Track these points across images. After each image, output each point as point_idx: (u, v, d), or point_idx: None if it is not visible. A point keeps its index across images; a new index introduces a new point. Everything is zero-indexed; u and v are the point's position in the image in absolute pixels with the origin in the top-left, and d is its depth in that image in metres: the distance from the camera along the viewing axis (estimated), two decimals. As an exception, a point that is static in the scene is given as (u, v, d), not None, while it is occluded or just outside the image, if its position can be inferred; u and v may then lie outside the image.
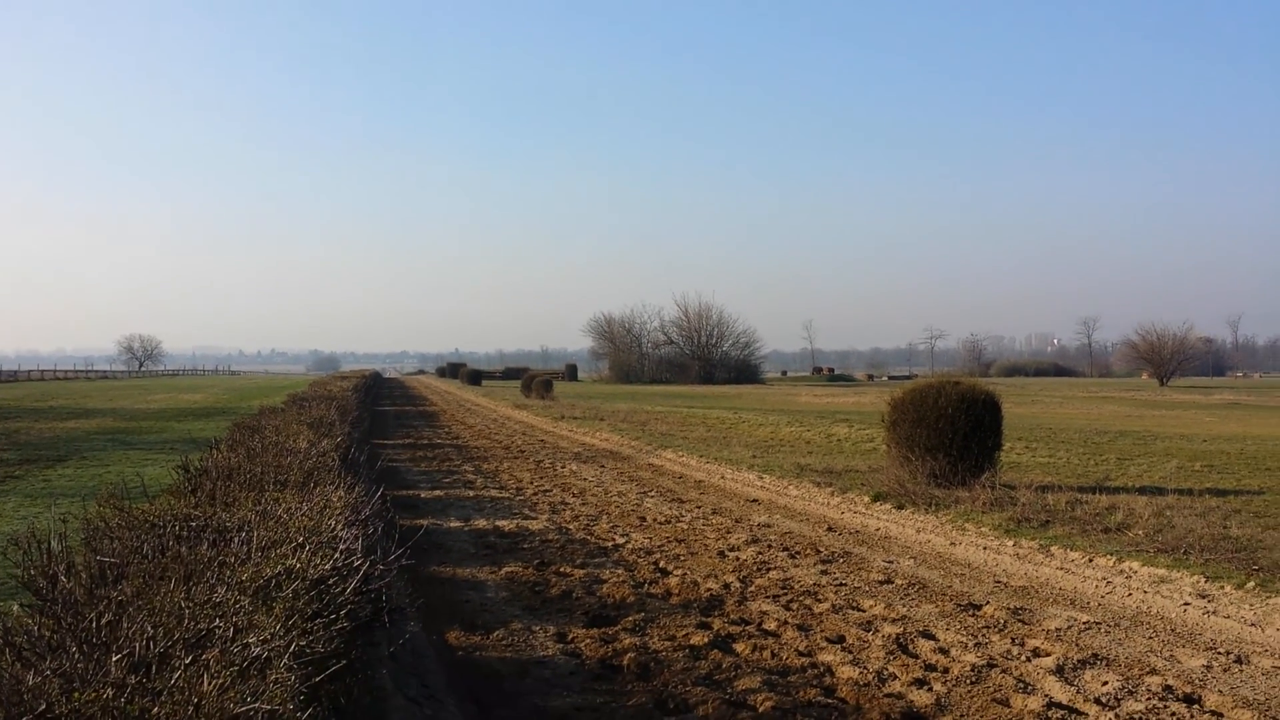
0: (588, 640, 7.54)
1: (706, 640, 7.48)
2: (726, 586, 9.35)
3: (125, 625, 3.48)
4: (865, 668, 6.86)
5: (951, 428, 14.35)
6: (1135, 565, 9.61)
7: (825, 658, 7.10)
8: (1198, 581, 8.92)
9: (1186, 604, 8.51)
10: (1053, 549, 10.51)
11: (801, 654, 7.18)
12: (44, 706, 2.78)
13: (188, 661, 3.16)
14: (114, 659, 3.18)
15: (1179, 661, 7.08)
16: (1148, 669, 6.89)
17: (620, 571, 9.99)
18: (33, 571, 4.46)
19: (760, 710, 6.03)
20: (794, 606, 8.63)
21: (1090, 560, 10.02)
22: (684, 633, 7.70)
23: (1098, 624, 8.04)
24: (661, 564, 10.39)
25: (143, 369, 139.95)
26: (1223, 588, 8.72)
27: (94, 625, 3.52)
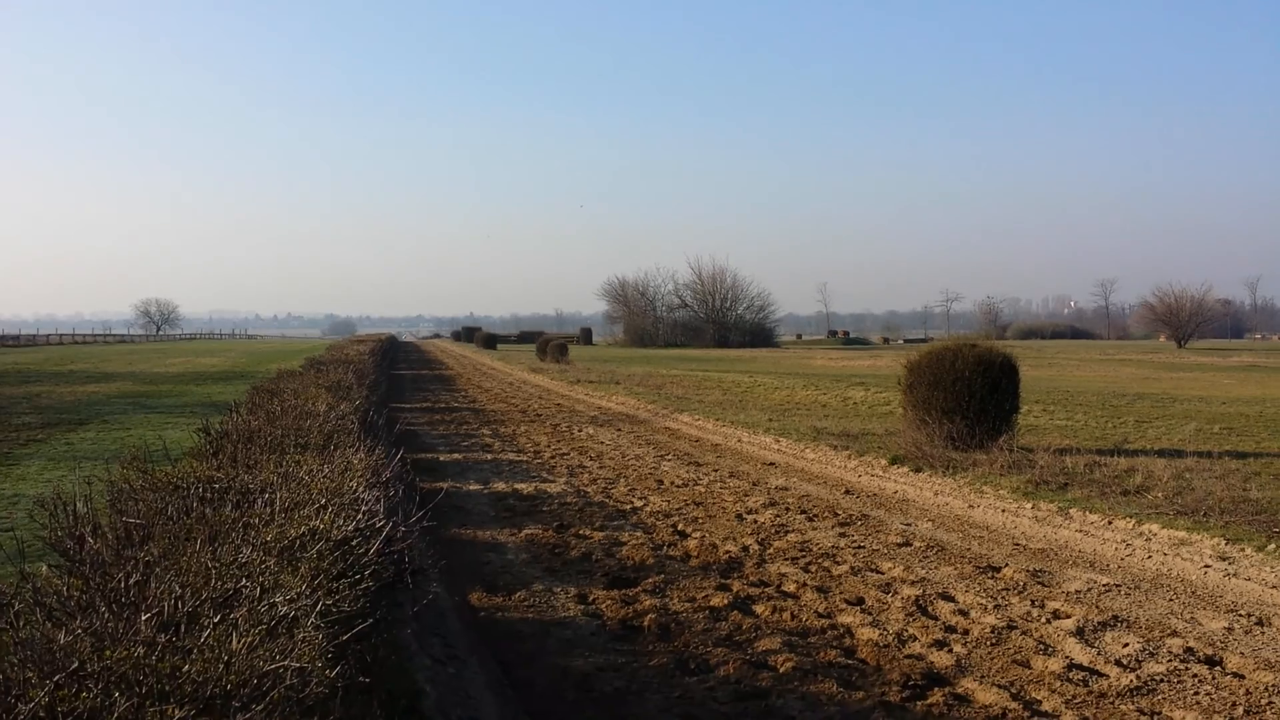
0: (608, 601, 7.59)
1: (726, 602, 7.51)
2: (745, 549, 9.37)
3: (153, 585, 3.51)
4: (885, 629, 6.88)
5: (968, 390, 14.30)
6: (1155, 528, 9.59)
7: (845, 619, 7.12)
8: (1218, 544, 8.90)
9: (1207, 566, 8.49)
10: (1071, 511, 10.49)
11: (821, 615, 7.20)
12: (76, 664, 2.80)
13: (216, 620, 3.18)
14: (143, 618, 3.20)
15: (1200, 624, 7.08)
16: (1168, 631, 6.89)
17: (639, 534, 10.02)
18: (60, 533, 4.50)
19: (781, 671, 6.06)
20: (813, 569, 8.65)
21: (1109, 523, 10.01)
22: (704, 594, 7.73)
23: (1117, 586, 8.04)
24: (680, 526, 10.42)
25: (160, 333, 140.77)
26: (1243, 550, 8.69)
27: (123, 585, 3.54)
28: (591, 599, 7.73)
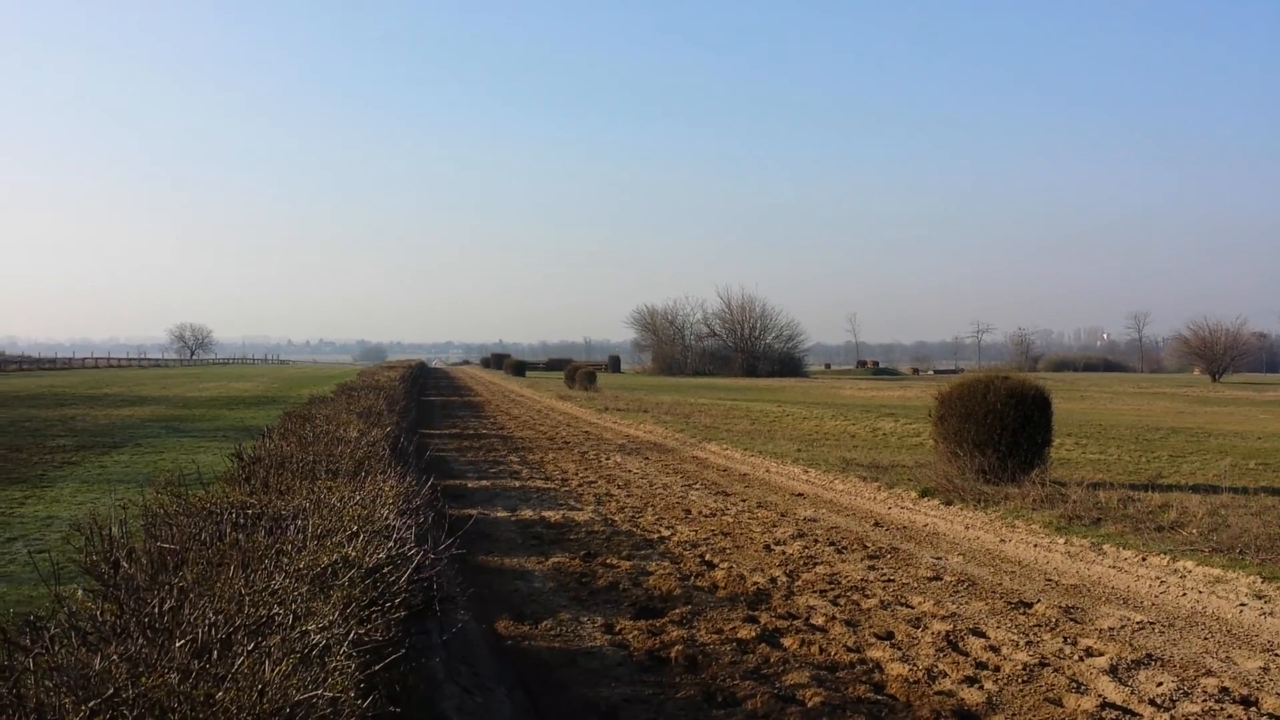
0: (635, 632, 7.56)
1: (754, 634, 7.47)
2: (773, 580, 9.32)
3: (187, 611, 3.54)
4: (915, 665, 6.82)
5: (1000, 423, 14.19)
6: (1190, 564, 9.46)
7: (874, 654, 7.06)
8: (1254, 582, 8.77)
9: (1243, 604, 8.36)
10: (1105, 547, 10.38)
11: (850, 650, 7.15)
12: (111, 690, 2.83)
13: (250, 648, 3.20)
14: (177, 644, 3.23)
15: (1235, 663, 6.97)
16: (1203, 670, 6.78)
17: (666, 564, 9.99)
18: (95, 557, 4.55)
19: (809, 705, 6.01)
20: (841, 602, 8.59)
21: (1143, 559, 9.88)
22: (731, 626, 7.69)
23: (1152, 624, 7.93)
24: (707, 557, 10.38)
25: (193, 357, 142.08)
26: (1280, 589, 8.56)
27: (157, 610, 3.57)
28: (618, 629, 7.70)
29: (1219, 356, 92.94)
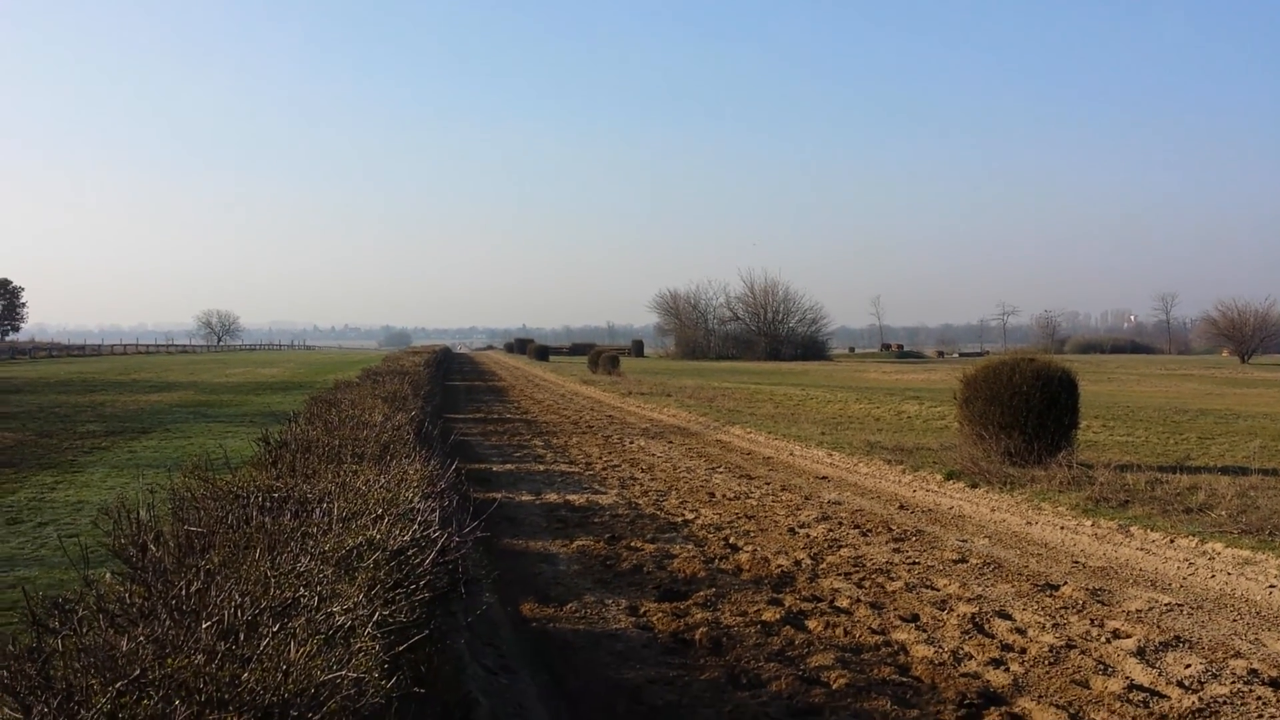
0: (659, 614, 7.57)
1: (778, 616, 7.47)
2: (797, 563, 9.31)
3: (214, 593, 3.56)
4: (940, 647, 6.80)
5: (1026, 405, 14.11)
6: (1218, 547, 9.38)
7: (899, 636, 7.04)
8: (1285, 564, 8.68)
9: (1272, 586, 8.28)
10: (1132, 529, 10.30)
11: (875, 632, 7.13)
12: (138, 671, 2.85)
13: (275, 629, 3.22)
14: (204, 626, 3.25)
15: (1264, 645, 6.91)
16: (1232, 652, 6.73)
17: (690, 547, 10.00)
18: (123, 540, 4.58)
19: (834, 687, 6.01)
20: (866, 584, 8.57)
21: (1171, 541, 9.80)
22: (755, 608, 7.69)
23: (1179, 606, 7.87)
24: (732, 540, 10.38)
25: (221, 343, 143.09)
26: (1311, 571, 8.47)
27: (184, 593, 3.60)
28: (643, 611, 7.72)
29: (1248, 338, 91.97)
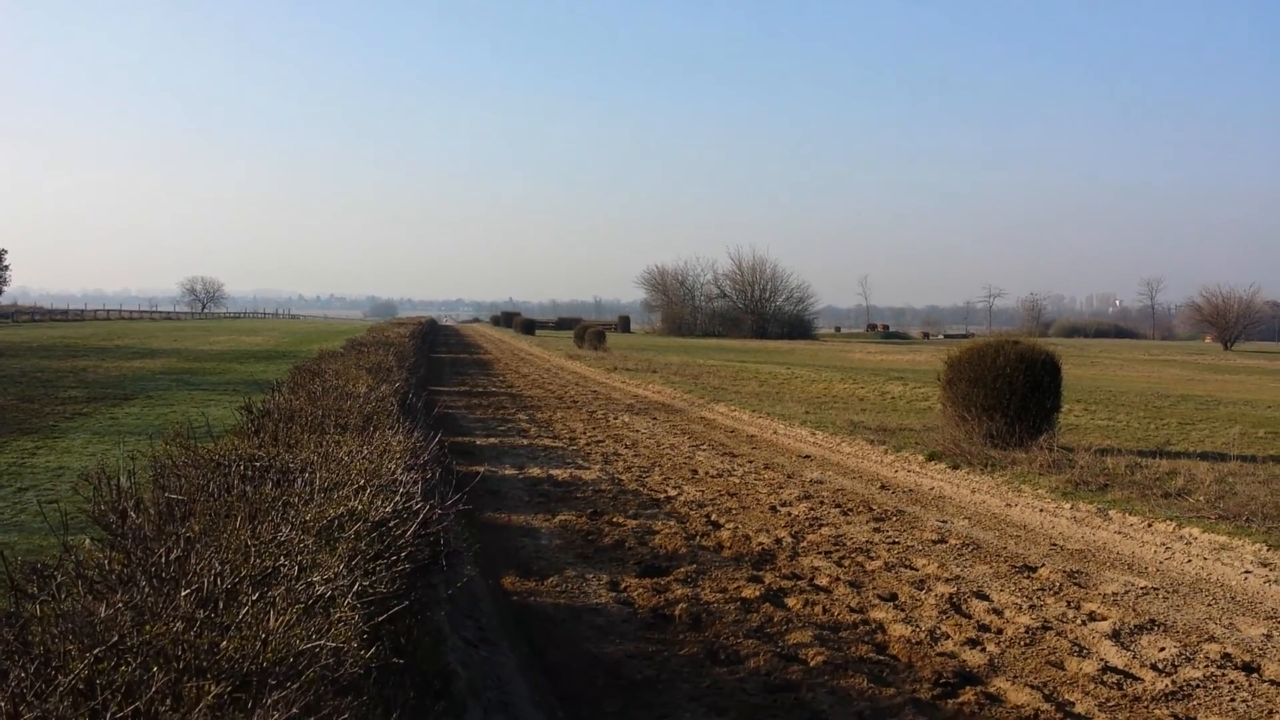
0: (640, 590, 7.61)
1: (758, 593, 7.51)
2: (778, 541, 9.36)
3: (193, 561, 3.56)
4: (918, 626, 6.85)
5: (1009, 388, 14.17)
6: (1195, 531, 9.46)
7: (877, 615, 7.09)
8: (1259, 550, 8.76)
9: (1247, 572, 8.37)
10: (1111, 513, 10.38)
11: (853, 610, 7.18)
12: (116, 638, 2.85)
13: (255, 598, 3.22)
14: (183, 594, 3.25)
15: (1238, 630, 6.98)
16: (1206, 636, 6.80)
17: (672, 523, 10.03)
18: (103, 507, 4.57)
19: (811, 664, 6.05)
20: (846, 563, 8.62)
21: (1149, 525, 9.88)
22: (735, 585, 7.73)
23: (1155, 589, 7.95)
24: (713, 517, 10.42)
25: (205, 311, 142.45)
26: (1286, 557, 8.56)
27: (163, 560, 3.59)
28: (623, 586, 7.75)
29: (1231, 325, 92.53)
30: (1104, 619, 7.11)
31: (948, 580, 8.08)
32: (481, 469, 12.92)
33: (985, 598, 7.61)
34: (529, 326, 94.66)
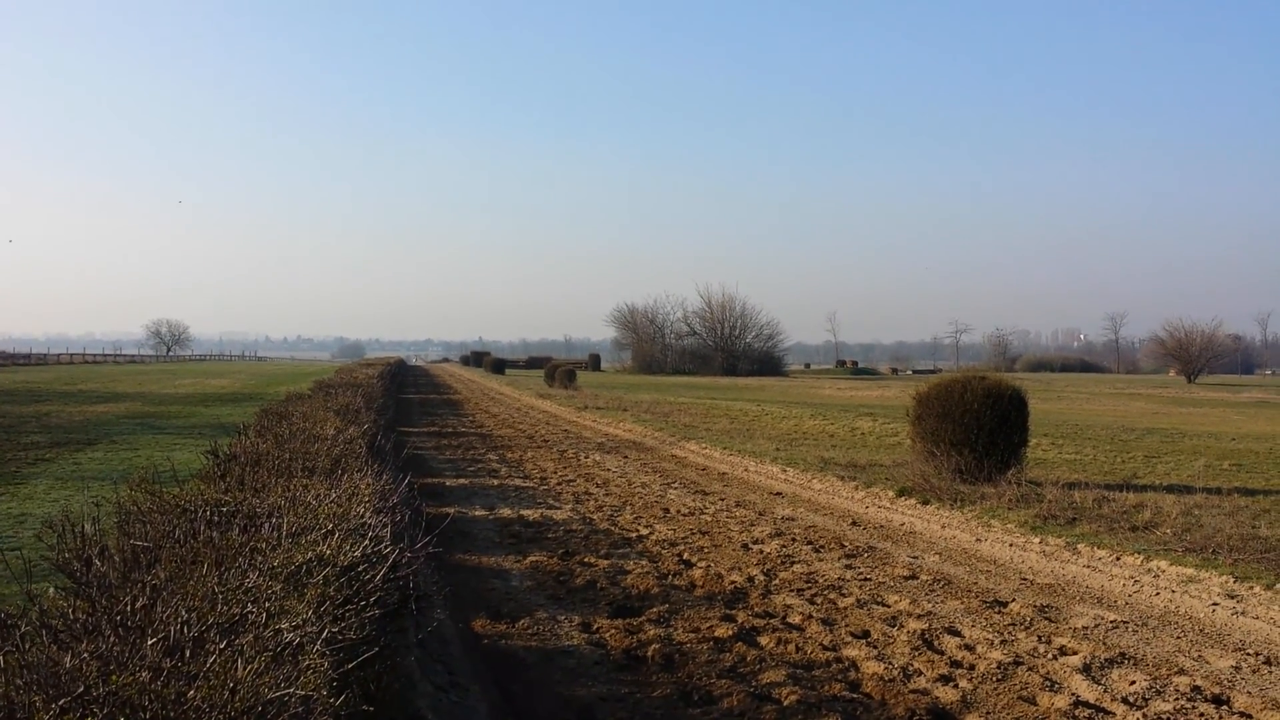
0: (612, 631, 7.56)
1: (731, 633, 7.48)
2: (750, 579, 9.34)
3: (160, 609, 3.52)
4: (890, 663, 6.85)
5: (977, 423, 14.28)
6: (1163, 564, 9.54)
7: (850, 652, 7.09)
8: (1226, 581, 8.85)
9: (1215, 604, 8.44)
10: (1079, 546, 10.45)
11: (826, 648, 7.17)
12: (82, 689, 2.81)
13: (222, 646, 3.18)
14: (149, 642, 3.20)
15: (1207, 662, 7.03)
16: (1176, 669, 6.84)
17: (644, 563, 10.00)
18: (67, 554, 4.51)
19: (785, 704, 6.03)
20: (818, 600, 8.62)
21: (1117, 558, 9.96)
22: (708, 625, 7.70)
23: (1125, 623, 7.99)
24: (685, 556, 10.39)
25: (170, 354, 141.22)
26: (1252, 588, 8.64)
27: (129, 608, 3.55)
28: (595, 628, 7.70)
29: (1194, 358, 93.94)
30: (1075, 653, 7.13)
31: (920, 616, 8.09)
32: (452, 510, 12.83)
33: (957, 633, 7.62)
34: (499, 366, 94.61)
